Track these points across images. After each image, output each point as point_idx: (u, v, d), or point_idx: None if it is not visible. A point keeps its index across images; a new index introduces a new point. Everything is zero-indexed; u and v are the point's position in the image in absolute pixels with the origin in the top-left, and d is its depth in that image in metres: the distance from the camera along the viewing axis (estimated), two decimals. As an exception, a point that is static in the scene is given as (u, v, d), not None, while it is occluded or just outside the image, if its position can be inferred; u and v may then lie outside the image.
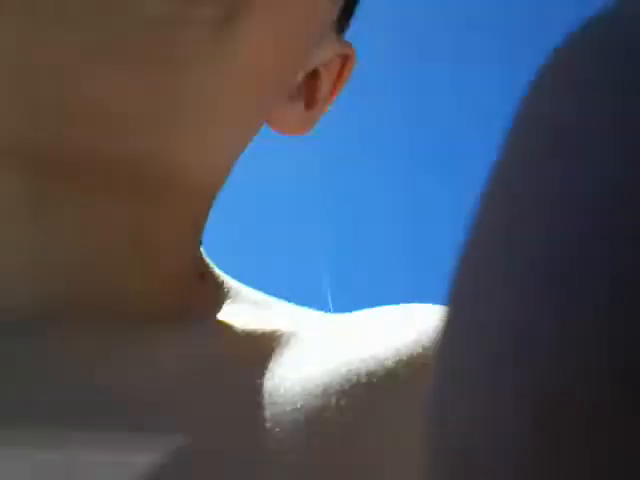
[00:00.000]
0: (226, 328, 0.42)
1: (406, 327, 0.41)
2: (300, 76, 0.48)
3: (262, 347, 0.41)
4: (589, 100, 0.14)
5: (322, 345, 0.41)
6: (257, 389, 0.39)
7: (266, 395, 0.38)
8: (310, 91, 0.50)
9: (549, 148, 0.14)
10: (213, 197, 0.48)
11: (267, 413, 0.37)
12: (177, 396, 0.38)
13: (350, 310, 0.46)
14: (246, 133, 0.47)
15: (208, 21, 0.38)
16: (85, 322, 0.41)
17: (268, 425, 0.37)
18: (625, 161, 0.12)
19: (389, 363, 0.39)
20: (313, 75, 0.49)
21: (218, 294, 0.47)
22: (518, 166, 0.14)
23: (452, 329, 0.15)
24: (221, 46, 0.39)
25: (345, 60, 0.51)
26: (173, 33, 0.38)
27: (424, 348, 0.39)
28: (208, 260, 0.49)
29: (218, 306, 0.45)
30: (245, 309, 0.45)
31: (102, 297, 0.42)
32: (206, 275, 0.48)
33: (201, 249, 0.49)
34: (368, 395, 0.38)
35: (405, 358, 0.39)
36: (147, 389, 0.38)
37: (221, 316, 0.44)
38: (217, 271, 0.49)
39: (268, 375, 0.39)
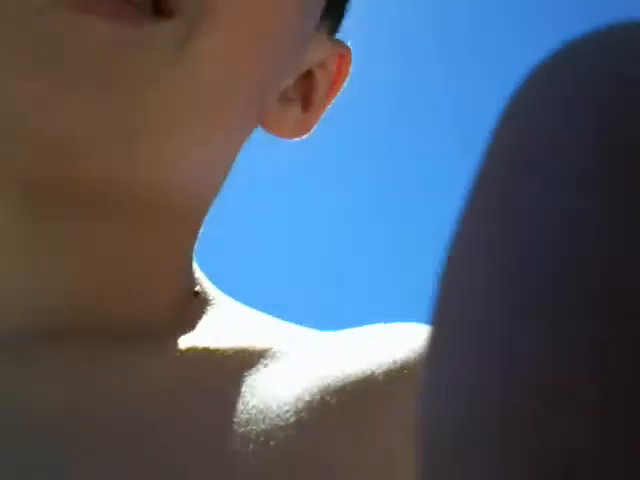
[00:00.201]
0: (216, 345, 0.42)
1: (396, 345, 0.41)
2: (292, 78, 0.48)
3: (253, 363, 0.41)
4: (567, 118, 0.14)
5: (313, 362, 0.41)
6: (248, 405, 0.38)
7: (257, 411, 0.38)
8: (306, 92, 0.49)
9: (523, 163, 0.14)
10: (201, 216, 0.47)
11: (258, 429, 0.37)
12: (166, 418, 0.38)
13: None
14: (226, 146, 0.46)
15: (165, 42, 0.38)
16: (72, 343, 0.41)
17: (261, 440, 0.36)
18: (595, 181, 0.13)
19: (380, 381, 0.39)
20: (308, 76, 0.49)
21: (208, 311, 0.46)
22: (493, 180, 0.14)
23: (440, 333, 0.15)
24: (182, 63, 0.39)
25: (341, 59, 0.50)
26: (128, 55, 0.38)
27: (413, 366, 0.39)
28: (201, 276, 0.49)
29: (208, 323, 0.45)
30: (236, 326, 0.45)
31: (89, 320, 0.42)
32: (199, 293, 0.47)
33: (195, 265, 0.49)
34: (361, 412, 0.38)
35: (396, 376, 0.39)
36: (134, 410, 0.38)
37: (211, 333, 0.44)
38: (209, 287, 0.48)
39: (259, 391, 0.39)
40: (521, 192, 0.14)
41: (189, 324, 0.44)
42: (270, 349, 0.42)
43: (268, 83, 0.45)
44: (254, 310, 0.49)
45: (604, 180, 0.13)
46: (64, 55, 0.37)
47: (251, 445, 0.36)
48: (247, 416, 0.38)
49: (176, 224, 0.45)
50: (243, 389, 0.39)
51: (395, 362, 0.39)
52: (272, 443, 0.36)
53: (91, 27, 0.37)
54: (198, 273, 0.49)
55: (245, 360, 0.41)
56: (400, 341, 0.41)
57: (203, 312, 0.46)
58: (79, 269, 0.42)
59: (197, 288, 0.47)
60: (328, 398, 0.38)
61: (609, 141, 0.13)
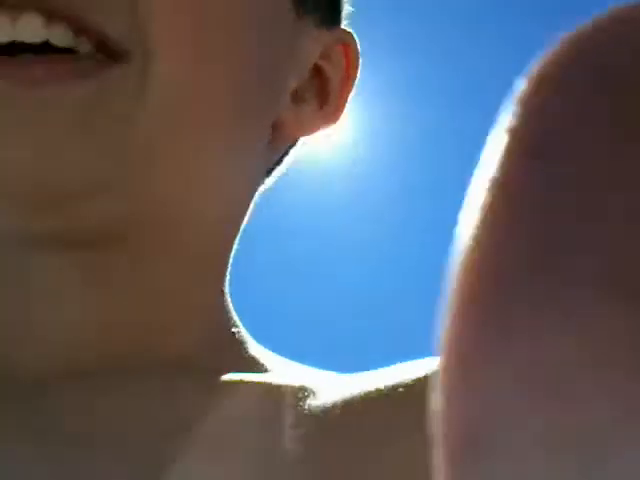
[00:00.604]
0: (255, 380, 0.43)
1: (415, 369, 0.41)
2: (297, 79, 0.49)
3: (287, 398, 0.41)
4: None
5: (342, 394, 0.41)
6: (285, 448, 0.38)
7: (288, 438, 0.38)
8: (320, 89, 0.50)
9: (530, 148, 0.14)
10: (225, 247, 0.49)
11: (286, 452, 0.37)
12: (209, 463, 0.38)
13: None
14: (231, 163, 0.47)
15: (121, 87, 0.40)
16: (110, 379, 0.42)
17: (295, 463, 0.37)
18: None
19: (411, 407, 0.39)
20: (319, 72, 0.50)
21: (245, 351, 0.47)
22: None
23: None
24: (146, 100, 0.41)
25: (346, 47, 0.51)
26: (95, 105, 0.40)
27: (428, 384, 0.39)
28: (237, 319, 0.50)
29: (244, 362, 0.46)
30: (270, 367, 0.46)
31: (121, 352, 0.44)
32: (235, 333, 0.48)
33: (232, 311, 0.50)
34: (385, 429, 0.38)
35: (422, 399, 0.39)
36: (163, 437, 0.39)
37: (248, 371, 0.44)
38: (242, 331, 0.49)
39: (289, 420, 0.39)
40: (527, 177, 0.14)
41: (226, 361, 0.45)
42: (302, 386, 0.42)
43: (256, 92, 0.46)
44: (283, 358, 0.50)
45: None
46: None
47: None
48: (278, 441, 0.38)
49: (198, 256, 0.47)
50: (285, 431, 0.39)
51: (412, 381, 0.40)
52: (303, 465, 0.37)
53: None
54: (235, 316, 0.49)
55: (281, 394, 0.41)
56: (419, 366, 0.41)
57: (240, 352, 0.47)
58: (110, 304, 0.44)
59: (234, 329, 0.48)
60: (357, 420, 0.39)
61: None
